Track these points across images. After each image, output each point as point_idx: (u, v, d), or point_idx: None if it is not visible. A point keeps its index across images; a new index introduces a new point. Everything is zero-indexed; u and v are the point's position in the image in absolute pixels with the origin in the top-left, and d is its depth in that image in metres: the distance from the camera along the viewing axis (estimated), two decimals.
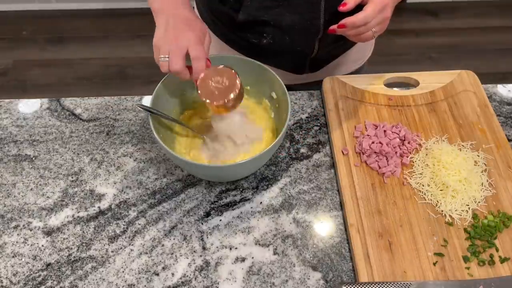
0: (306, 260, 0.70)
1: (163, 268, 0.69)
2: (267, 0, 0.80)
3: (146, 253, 0.71)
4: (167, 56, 0.67)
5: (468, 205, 0.73)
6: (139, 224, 0.74)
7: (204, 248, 0.71)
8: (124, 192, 0.77)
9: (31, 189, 0.77)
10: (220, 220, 0.74)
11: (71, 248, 0.71)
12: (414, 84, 0.92)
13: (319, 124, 0.87)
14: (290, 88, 0.84)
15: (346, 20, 0.71)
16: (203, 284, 0.68)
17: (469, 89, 0.90)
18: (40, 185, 0.78)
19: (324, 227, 0.73)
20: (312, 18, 0.81)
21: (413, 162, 0.79)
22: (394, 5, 0.74)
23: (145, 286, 0.67)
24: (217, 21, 0.93)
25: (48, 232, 0.73)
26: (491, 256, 0.68)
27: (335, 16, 0.76)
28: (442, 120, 0.85)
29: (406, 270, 0.67)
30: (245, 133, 0.78)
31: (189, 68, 0.69)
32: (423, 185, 0.75)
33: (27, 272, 0.69)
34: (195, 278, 0.68)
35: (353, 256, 0.69)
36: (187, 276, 0.68)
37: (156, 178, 0.79)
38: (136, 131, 0.86)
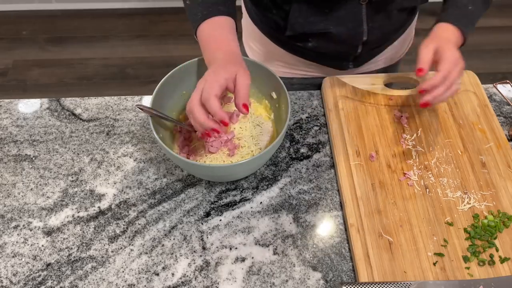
0: (306, 260, 0.70)
1: (163, 268, 0.69)
2: (311, 17, 0.82)
3: (146, 253, 0.71)
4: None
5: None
6: (139, 224, 0.74)
7: (204, 248, 0.71)
8: (124, 192, 0.77)
9: (31, 189, 0.77)
10: (220, 220, 0.74)
11: (71, 248, 0.71)
12: (414, 84, 0.92)
13: (319, 124, 0.87)
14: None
15: (425, 85, 0.71)
16: (203, 284, 0.68)
17: (469, 89, 0.90)
18: (40, 185, 0.78)
19: (324, 227, 0.73)
20: (356, 27, 0.83)
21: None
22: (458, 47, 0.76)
23: (145, 286, 0.67)
24: (265, 22, 0.94)
25: (48, 232, 0.73)
26: (491, 256, 0.68)
27: (378, 21, 0.84)
28: (442, 120, 0.85)
29: (406, 270, 0.67)
30: (249, 133, 0.78)
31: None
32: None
33: (27, 272, 0.69)
34: (195, 278, 0.68)
35: (353, 256, 0.69)
36: (187, 276, 0.68)
37: (156, 178, 0.79)
38: (136, 131, 0.86)
